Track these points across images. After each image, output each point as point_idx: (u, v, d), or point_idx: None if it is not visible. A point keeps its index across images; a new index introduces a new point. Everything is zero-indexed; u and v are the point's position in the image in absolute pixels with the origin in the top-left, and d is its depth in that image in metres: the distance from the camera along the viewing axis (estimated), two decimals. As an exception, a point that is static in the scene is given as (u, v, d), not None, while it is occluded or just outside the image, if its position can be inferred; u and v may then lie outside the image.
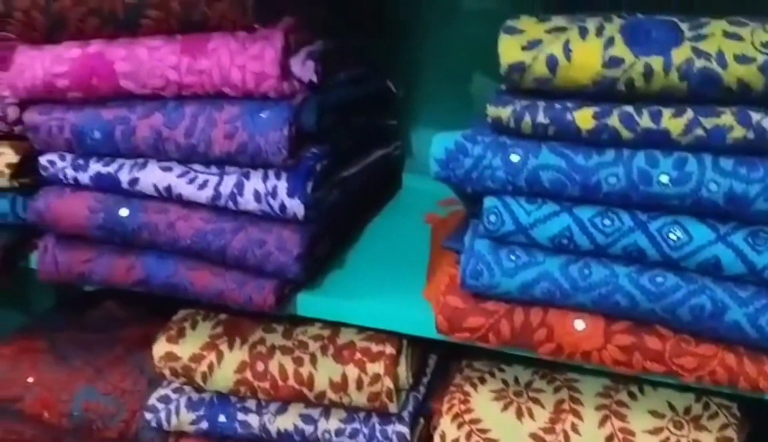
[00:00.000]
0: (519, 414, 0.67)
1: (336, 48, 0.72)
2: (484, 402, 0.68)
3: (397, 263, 0.76)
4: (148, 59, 0.64)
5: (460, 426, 0.66)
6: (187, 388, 0.78)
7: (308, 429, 0.73)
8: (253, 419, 0.74)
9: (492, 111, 0.56)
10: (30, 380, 0.83)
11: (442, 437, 0.66)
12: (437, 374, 0.78)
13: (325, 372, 0.71)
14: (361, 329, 0.73)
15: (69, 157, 0.70)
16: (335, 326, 0.74)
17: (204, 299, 0.69)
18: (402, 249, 0.79)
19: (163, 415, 0.77)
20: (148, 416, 0.77)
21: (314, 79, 0.66)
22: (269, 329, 0.75)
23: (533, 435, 0.66)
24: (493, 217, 0.57)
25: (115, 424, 0.79)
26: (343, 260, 0.77)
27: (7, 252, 0.77)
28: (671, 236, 0.54)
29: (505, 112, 0.56)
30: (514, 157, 0.56)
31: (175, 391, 0.78)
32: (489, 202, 0.58)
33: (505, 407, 0.67)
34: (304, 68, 0.65)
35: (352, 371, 0.70)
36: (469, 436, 0.65)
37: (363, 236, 0.82)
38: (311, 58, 0.66)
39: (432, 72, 0.95)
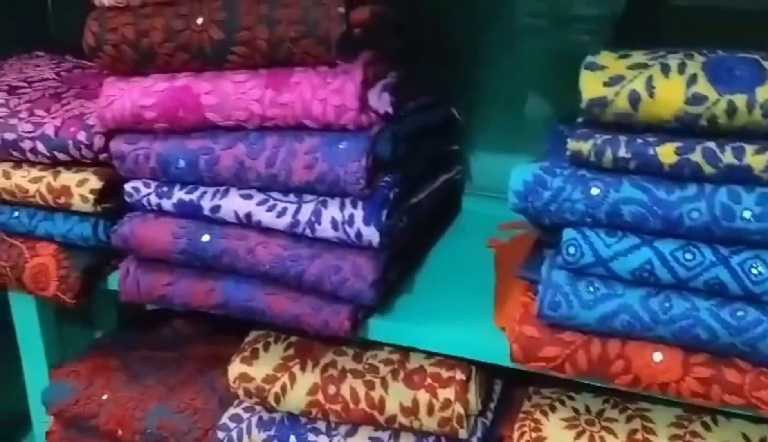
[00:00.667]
0: (591, 443, 0.68)
1: (406, 77, 0.74)
2: (556, 430, 0.68)
3: (463, 289, 0.77)
4: (233, 92, 0.66)
5: (532, 453, 0.67)
6: (258, 408, 0.80)
7: (378, 452, 0.75)
8: (323, 441, 0.76)
9: (572, 145, 0.57)
10: (104, 397, 0.86)
11: (515, 463, 0.67)
12: (503, 400, 0.78)
13: (396, 396, 0.72)
14: (431, 354, 0.75)
15: (153, 184, 0.72)
16: (405, 351, 0.75)
17: (280, 322, 0.71)
18: (467, 274, 0.80)
19: (234, 434, 0.79)
20: (221, 434, 0.79)
21: (390, 110, 0.67)
22: (340, 352, 0.77)
23: (606, 464, 0.66)
24: (572, 249, 0.58)
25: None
26: (411, 285, 0.78)
27: (88, 275, 0.80)
28: (753, 270, 0.54)
29: (585, 146, 0.57)
30: (595, 191, 0.57)
31: (246, 410, 0.80)
32: (568, 234, 0.59)
33: (578, 436, 0.67)
34: (380, 100, 0.67)
35: (423, 397, 0.72)
36: (543, 463, 0.66)
37: (429, 261, 0.83)
38: (387, 91, 0.68)
39: (490, 97, 0.96)
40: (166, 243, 0.72)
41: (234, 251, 0.70)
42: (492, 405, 0.77)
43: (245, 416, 0.80)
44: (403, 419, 0.72)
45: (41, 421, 0.93)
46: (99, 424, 0.85)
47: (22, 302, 0.93)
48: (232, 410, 0.81)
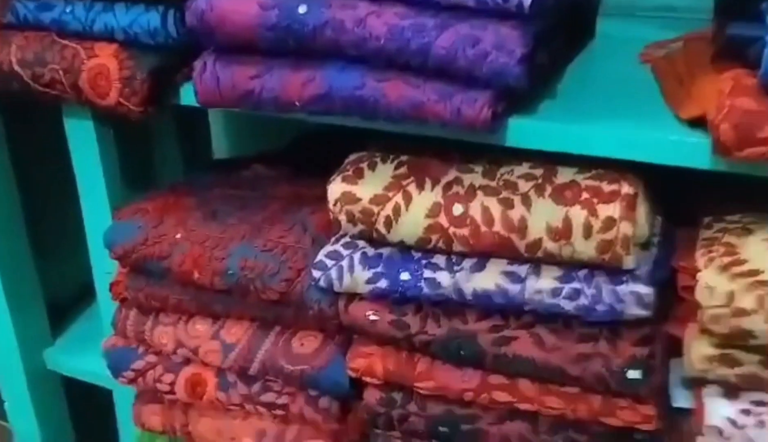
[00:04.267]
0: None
1: None
2: (759, 252, 0.53)
3: (619, 96, 0.61)
4: None
5: (732, 278, 0.52)
6: (361, 243, 0.66)
7: (513, 289, 0.60)
8: (443, 277, 0.62)
9: None
10: (178, 236, 0.73)
11: (710, 291, 0.52)
12: (667, 236, 0.63)
13: (542, 215, 0.57)
14: (584, 167, 0.59)
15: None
16: (550, 165, 0.60)
17: (397, 115, 0.56)
18: (619, 85, 0.64)
19: (333, 273, 0.65)
20: (316, 274, 0.66)
21: None
22: (466, 169, 0.62)
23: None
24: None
25: (276, 284, 0.68)
26: (557, 91, 0.62)
27: (155, 77, 0.66)
28: None
29: None
30: None
31: (346, 246, 0.66)
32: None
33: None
34: None
35: (578, 215, 0.56)
36: (749, 288, 0.51)
37: (571, 77, 0.67)
38: None
39: None
40: (253, 16, 0.57)
41: (339, 22, 0.55)
42: (656, 239, 0.62)
43: (345, 252, 0.66)
44: (550, 244, 0.57)
45: (104, 274, 0.81)
46: (172, 266, 0.72)
47: (79, 128, 0.79)
48: (329, 247, 0.67)
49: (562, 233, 0.56)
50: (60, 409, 1.02)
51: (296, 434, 0.75)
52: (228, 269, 0.70)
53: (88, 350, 0.93)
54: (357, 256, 0.65)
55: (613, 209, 0.55)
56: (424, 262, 0.63)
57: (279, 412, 0.75)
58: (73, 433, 1.04)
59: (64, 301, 1.03)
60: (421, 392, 0.66)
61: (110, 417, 0.97)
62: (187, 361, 0.78)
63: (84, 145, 0.80)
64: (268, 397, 0.75)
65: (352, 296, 0.67)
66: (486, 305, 0.61)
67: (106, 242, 0.76)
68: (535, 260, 0.59)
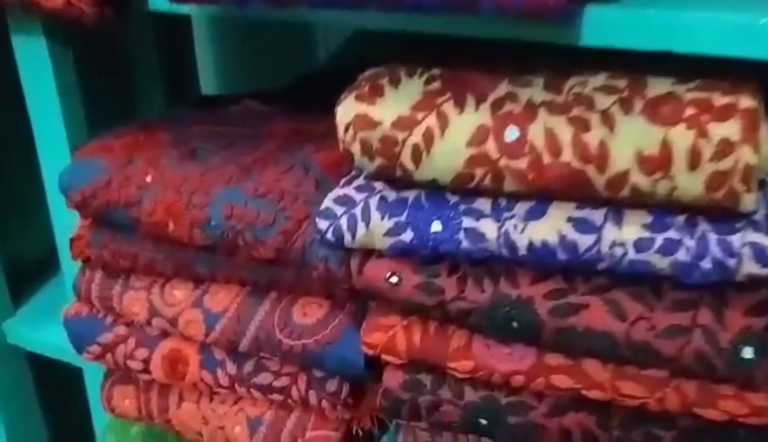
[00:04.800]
0: None
1: None
2: None
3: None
4: None
5: None
6: (379, 184, 0.52)
7: (584, 241, 0.45)
8: (488, 227, 0.47)
9: None
10: (148, 178, 0.59)
11: None
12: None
13: (630, 139, 0.42)
14: (680, 78, 0.44)
15: None
16: (636, 75, 0.45)
17: (431, 3, 0.41)
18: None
19: (344, 223, 0.51)
20: (322, 224, 0.51)
21: None
22: (521, 83, 0.47)
23: None
24: None
25: (270, 238, 0.54)
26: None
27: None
28: None
29: None
30: None
31: (361, 188, 0.52)
32: None
33: None
34: None
35: (681, 137, 0.41)
36: None
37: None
38: None
39: None
40: None
41: None
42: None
43: (359, 196, 0.51)
44: (639, 180, 0.42)
45: (67, 231, 0.67)
46: (141, 215, 0.57)
47: (29, 48, 0.64)
48: (339, 190, 0.53)
49: (659, 162, 0.41)
50: (25, 388, 0.88)
51: (297, 423, 0.61)
52: (210, 219, 0.55)
53: (53, 322, 0.79)
54: (374, 201, 0.50)
55: (731, 128, 0.40)
56: (462, 207, 0.48)
57: (276, 396, 0.61)
58: (42, 415, 0.91)
59: (26, 266, 0.88)
60: (457, 374, 0.52)
61: (82, 398, 0.83)
62: (164, 334, 0.63)
63: (36, 69, 0.65)
64: (264, 378, 0.60)
65: (368, 253, 0.52)
66: (546, 263, 0.46)
67: (62, 186, 0.61)
68: (617, 201, 0.44)
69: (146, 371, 0.64)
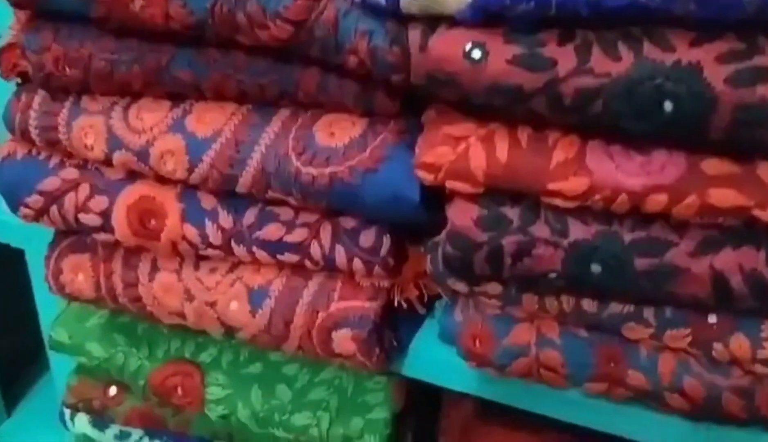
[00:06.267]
0: None
1: None
2: None
3: None
4: None
5: None
6: None
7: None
8: None
9: None
10: None
11: None
12: None
13: None
14: None
15: None
16: None
17: None
18: None
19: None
20: None
21: None
22: None
23: None
24: None
25: (285, 4, 0.38)
26: None
27: None
28: None
29: None
30: None
31: None
32: None
33: None
34: None
35: None
36: None
37: None
38: None
39: None
40: None
41: None
42: None
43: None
44: None
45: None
46: None
47: None
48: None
49: None
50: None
51: (318, 293, 0.45)
52: (198, -19, 0.39)
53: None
54: None
55: None
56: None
57: (290, 257, 0.44)
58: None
59: None
60: (560, 201, 0.37)
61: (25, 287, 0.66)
62: (129, 175, 0.46)
63: None
64: (272, 232, 0.44)
65: (434, 22, 0.36)
66: (714, 15, 0.31)
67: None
68: None
69: (105, 228, 0.46)
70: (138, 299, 0.48)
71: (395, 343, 0.46)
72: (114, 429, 0.59)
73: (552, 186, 0.36)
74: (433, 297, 0.48)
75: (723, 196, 0.34)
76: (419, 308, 0.47)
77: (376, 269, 0.43)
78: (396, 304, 0.45)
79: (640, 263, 0.36)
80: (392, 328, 0.46)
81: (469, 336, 0.44)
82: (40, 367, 0.80)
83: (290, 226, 0.44)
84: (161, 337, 0.54)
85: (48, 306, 0.62)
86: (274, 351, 0.53)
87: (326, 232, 0.43)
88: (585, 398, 0.44)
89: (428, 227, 0.43)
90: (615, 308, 0.40)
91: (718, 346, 0.38)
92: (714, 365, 0.40)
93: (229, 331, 0.47)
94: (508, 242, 0.38)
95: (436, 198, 0.40)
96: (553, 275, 0.38)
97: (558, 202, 0.36)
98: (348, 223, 0.43)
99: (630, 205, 0.35)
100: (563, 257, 0.37)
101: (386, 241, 0.43)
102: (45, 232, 0.51)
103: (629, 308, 0.39)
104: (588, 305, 0.40)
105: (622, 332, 0.40)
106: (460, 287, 0.43)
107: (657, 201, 0.34)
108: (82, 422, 0.59)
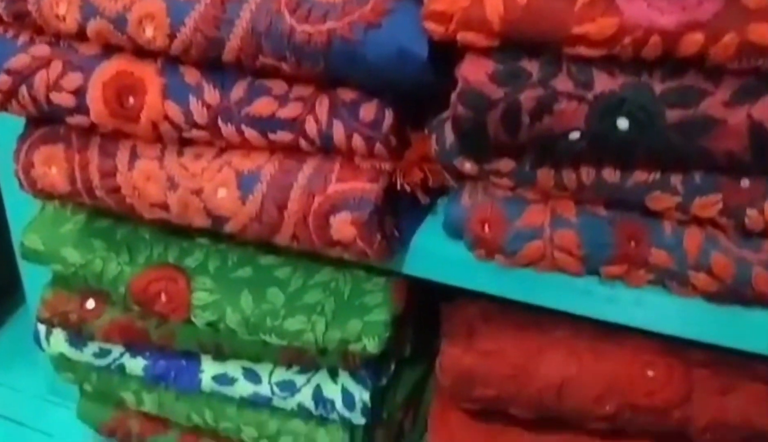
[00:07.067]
0: None
1: None
2: None
3: None
4: None
5: None
6: None
7: None
8: None
9: None
10: None
11: None
12: None
13: None
14: None
15: None
16: None
17: None
18: None
19: None
20: None
21: None
22: None
23: None
24: None
25: None
26: None
27: None
28: None
29: None
30: None
31: None
32: None
33: None
34: None
35: None
36: None
37: None
38: None
39: None
40: None
41: None
42: None
43: None
44: None
45: None
46: None
47: None
48: None
49: None
50: None
51: (314, 176, 0.41)
52: None
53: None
54: None
55: None
56: None
57: (282, 136, 0.40)
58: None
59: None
60: (585, 49, 0.33)
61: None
62: (105, 50, 0.42)
63: None
64: (263, 106, 0.40)
65: None
66: None
67: None
68: None
69: (80, 109, 0.42)
70: (116, 189, 0.44)
71: (397, 232, 0.43)
72: (93, 347, 0.55)
73: (577, 29, 0.32)
74: (436, 191, 0.45)
75: (765, 32, 0.31)
76: (421, 197, 0.43)
77: (378, 146, 0.40)
78: (398, 188, 0.42)
79: (672, 114, 0.33)
80: (394, 215, 0.43)
81: (477, 221, 0.41)
82: (16, 302, 0.76)
83: (283, 100, 0.40)
84: (142, 242, 0.50)
85: (19, 215, 0.57)
86: (265, 255, 0.50)
87: (323, 106, 0.40)
88: (597, 286, 0.42)
89: (432, 106, 0.40)
90: (639, 176, 0.37)
91: (751, 212, 0.36)
92: (744, 239, 0.37)
93: (217, 221, 0.43)
94: (527, 97, 0.34)
95: (444, 61, 0.37)
96: (575, 135, 0.35)
97: (582, 50, 0.33)
98: (347, 95, 0.40)
99: (663, 48, 0.32)
100: (587, 111, 0.34)
101: (388, 115, 0.39)
102: (15, 124, 0.47)
103: (655, 176, 0.36)
104: (610, 174, 0.37)
105: (646, 203, 0.37)
106: (469, 167, 0.40)
107: (692, 41, 0.31)
108: (58, 340, 0.55)
